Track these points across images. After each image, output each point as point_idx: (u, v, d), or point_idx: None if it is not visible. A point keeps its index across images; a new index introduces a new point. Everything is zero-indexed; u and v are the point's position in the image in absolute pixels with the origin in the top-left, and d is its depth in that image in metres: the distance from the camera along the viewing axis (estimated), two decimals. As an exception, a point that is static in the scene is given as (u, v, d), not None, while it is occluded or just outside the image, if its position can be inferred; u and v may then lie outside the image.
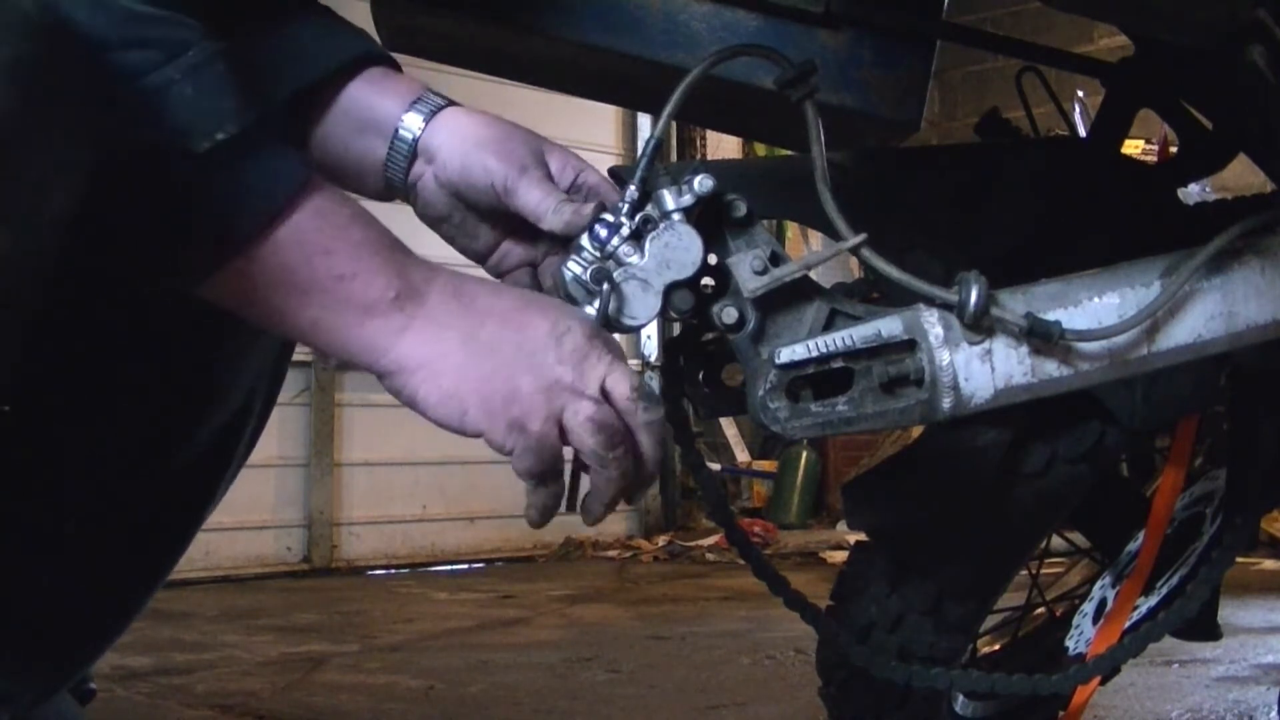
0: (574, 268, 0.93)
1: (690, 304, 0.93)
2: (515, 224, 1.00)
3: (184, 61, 0.76)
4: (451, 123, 1.00)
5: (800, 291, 0.96)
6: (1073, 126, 2.30)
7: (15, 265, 0.66)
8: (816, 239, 5.75)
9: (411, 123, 0.99)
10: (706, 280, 0.95)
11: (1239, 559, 1.33)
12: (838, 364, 0.94)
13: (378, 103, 0.99)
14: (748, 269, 0.94)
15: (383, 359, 0.84)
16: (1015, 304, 0.96)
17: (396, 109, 0.99)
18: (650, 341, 5.72)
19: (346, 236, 0.82)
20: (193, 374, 1.04)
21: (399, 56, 1.08)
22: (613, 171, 1.04)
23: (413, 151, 0.99)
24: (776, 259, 0.95)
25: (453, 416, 0.84)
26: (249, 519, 4.57)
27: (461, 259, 1.01)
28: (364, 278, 0.82)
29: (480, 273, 0.99)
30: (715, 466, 6.01)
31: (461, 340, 0.84)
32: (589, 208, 0.94)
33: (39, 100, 0.66)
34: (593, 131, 5.29)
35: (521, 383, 0.84)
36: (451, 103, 1.02)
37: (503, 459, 0.85)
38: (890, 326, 0.94)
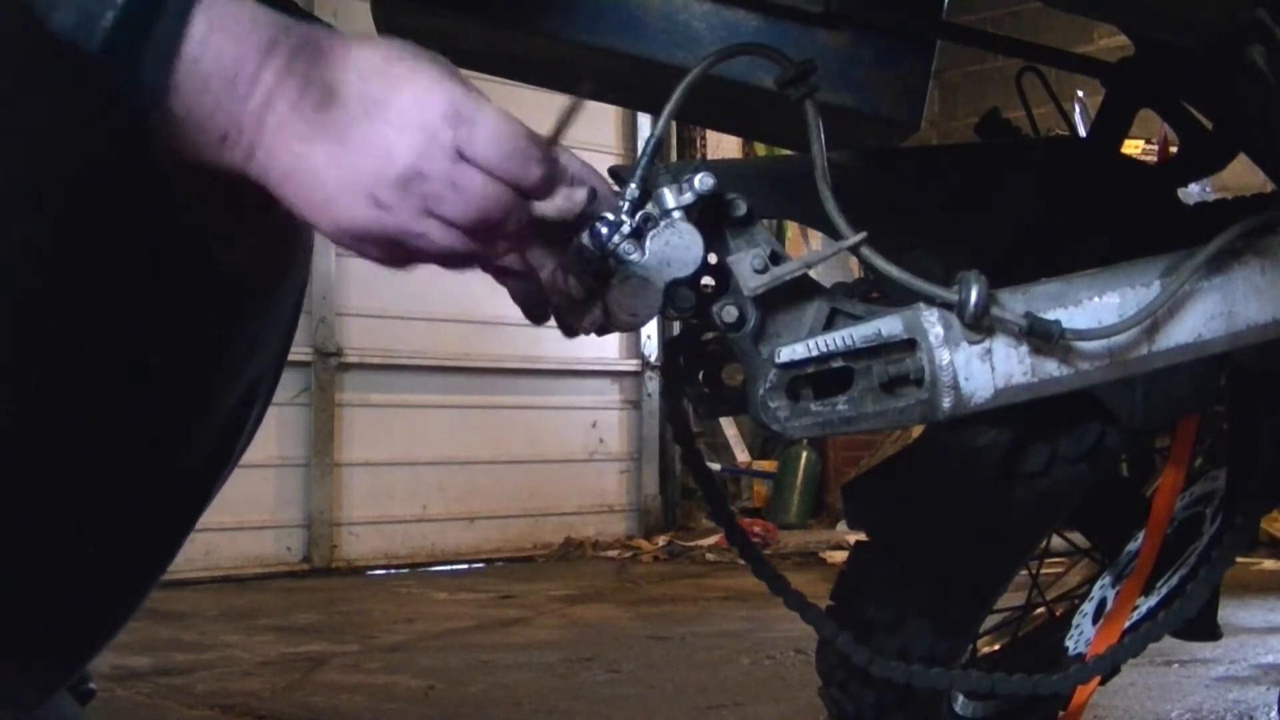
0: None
1: (691, 303, 0.93)
2: None
3: None
4: None
5: (800, 291, 0.96)
6: (1073, 126, 2.30)
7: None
8: (817, 239, 5.75)
9: None
10: (707, 279, 0.95)
11: (1239, 559, 1.33)
12: (838, 363, 0.94)
13: None
14: (748, 268, 0.94)
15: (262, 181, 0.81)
16: (1015, 303, 0.96)
17: None
18: (650, 341, 5.72)
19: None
20: (200, 368, 1.04)
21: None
22: (613, 171, 1.04)
23: None
24: (777, 258, 0.95)
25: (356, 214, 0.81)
26: (249, 519, 4.57)
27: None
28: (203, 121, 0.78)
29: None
30: (715, 466, 6.01)
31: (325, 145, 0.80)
32: (580, 192, 0.93)
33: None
34: (593, 131, 5.29)
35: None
36: None
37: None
38: (890, 326, 0.94)
